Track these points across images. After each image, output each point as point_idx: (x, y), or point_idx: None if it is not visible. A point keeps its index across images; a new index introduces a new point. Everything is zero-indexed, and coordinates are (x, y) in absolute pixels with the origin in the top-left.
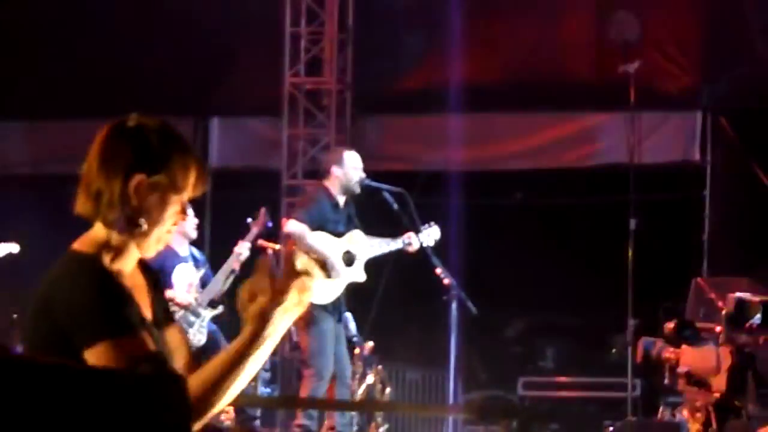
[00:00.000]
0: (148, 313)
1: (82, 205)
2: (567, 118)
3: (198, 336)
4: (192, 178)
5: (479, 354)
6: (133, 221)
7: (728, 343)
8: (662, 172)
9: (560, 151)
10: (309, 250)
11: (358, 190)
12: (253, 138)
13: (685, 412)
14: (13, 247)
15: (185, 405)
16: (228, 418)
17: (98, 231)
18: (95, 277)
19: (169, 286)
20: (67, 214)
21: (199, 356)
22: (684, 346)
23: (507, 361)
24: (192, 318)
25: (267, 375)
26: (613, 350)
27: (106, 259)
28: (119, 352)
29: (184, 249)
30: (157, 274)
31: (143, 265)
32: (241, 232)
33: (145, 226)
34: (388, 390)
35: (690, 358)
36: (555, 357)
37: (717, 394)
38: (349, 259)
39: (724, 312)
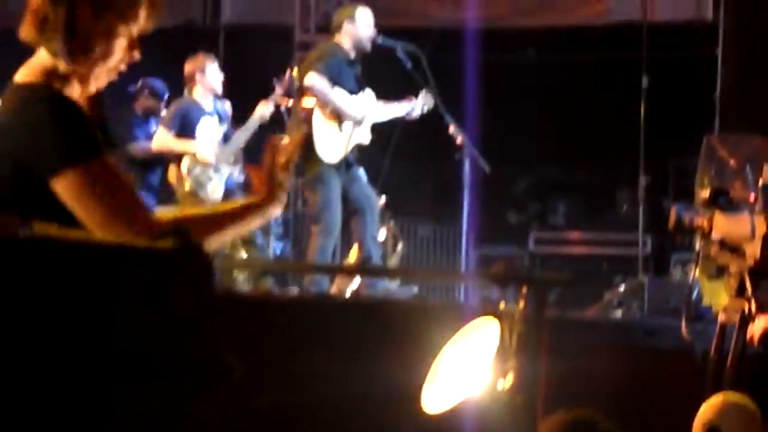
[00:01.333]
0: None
1: (26, 31)
2: None
3: (216, 192)
4: (141, 10)
5: (491, 209)
6: (78, 50)
7: (764, 212)
8: (675, 29)
9: (572, 8)
10: (329, 105)
11: (368, 47)
12: None
13: (697, 270)
14: None
15: (209, 279)
16: None
17: (43, 59)
18: (52, 103)
19: (192, 137)
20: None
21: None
22: (717, 213)
23: (518, 216)
24: (211, 173)
25: (279, 230)
26: (625, 207)
27: (57, 86)
28: (91, 177)
29: (208, 103)
30: (103, 110)
31: (93, 101)
32: (265, 91)
33: (91, 56)
34: (399, 245)
35: (724, 225)
36: (566, 213)
37: (751, 261)
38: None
39: (760, 183)
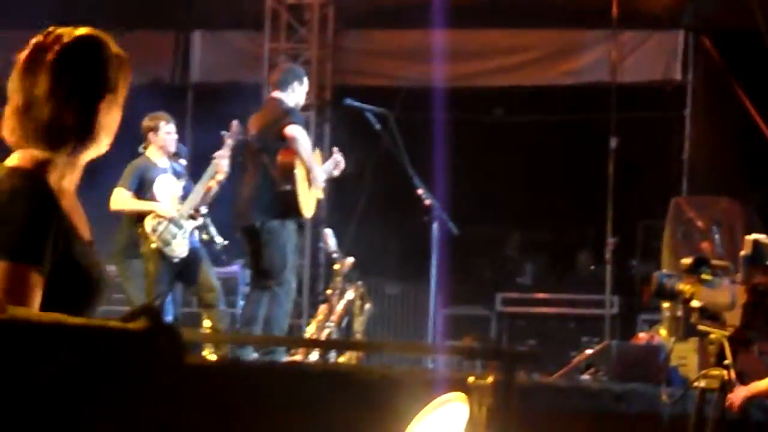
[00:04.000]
0: (86, 233)
1: (14, 132)
2: (549, 35)
3: (180, 248)
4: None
5: (458, 269)
6: (89, 140)
7: (745, 282)
8: (643, 91)
9: (542, 69)
10: (305, 160)
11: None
12: (234, 52)
13: (663, 332)
14: None
15: (179, 357)
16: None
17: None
18: (35, 194)
19: (152, 197)
20: None
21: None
22: (699, 281)
23: (486, 276)
24: (175, 230)
25: (246, 289)
26: (592, 267)
27: (52, 177)
28: (10, 279)
29: (163, 161)
30: None
31: None
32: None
33: (96, 140)
34: (368, 305)
35: (705, 293)
36: (533, 273)
37: (731, 329)
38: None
39: (742, 253)
